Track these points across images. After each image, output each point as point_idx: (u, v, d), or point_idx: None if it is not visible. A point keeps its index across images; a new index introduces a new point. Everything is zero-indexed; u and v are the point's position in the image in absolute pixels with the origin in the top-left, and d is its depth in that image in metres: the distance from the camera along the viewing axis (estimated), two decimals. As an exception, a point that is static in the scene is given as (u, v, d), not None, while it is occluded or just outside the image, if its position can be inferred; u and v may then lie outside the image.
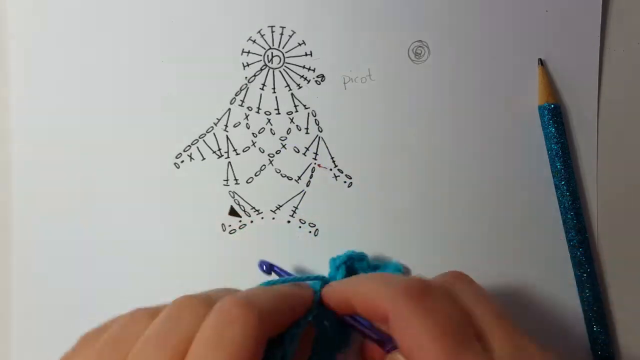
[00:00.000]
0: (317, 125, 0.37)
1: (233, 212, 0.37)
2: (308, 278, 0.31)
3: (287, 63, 0.37)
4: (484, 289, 0.28)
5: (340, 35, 0.37)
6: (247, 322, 0.23)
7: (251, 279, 0.36)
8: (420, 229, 0.36)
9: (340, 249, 0.36)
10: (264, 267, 0.33)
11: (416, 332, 0.24)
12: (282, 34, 0.37)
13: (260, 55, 0.37)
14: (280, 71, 0.37)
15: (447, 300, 0.25)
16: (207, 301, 0.25)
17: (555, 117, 0.36)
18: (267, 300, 0.26)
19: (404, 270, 0.35)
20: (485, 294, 0.27)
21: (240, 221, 0.37)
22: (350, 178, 0.37)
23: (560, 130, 0.36)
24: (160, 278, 0.36)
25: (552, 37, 0.37)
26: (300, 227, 0.37)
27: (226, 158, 0.37)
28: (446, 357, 0.23)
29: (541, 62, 0.37)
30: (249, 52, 0.37)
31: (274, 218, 0.37)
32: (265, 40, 0.37)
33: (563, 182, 0.36)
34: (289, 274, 0.33)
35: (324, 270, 0.36)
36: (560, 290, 0.36)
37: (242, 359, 0.23)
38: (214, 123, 0.37)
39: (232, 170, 0.37)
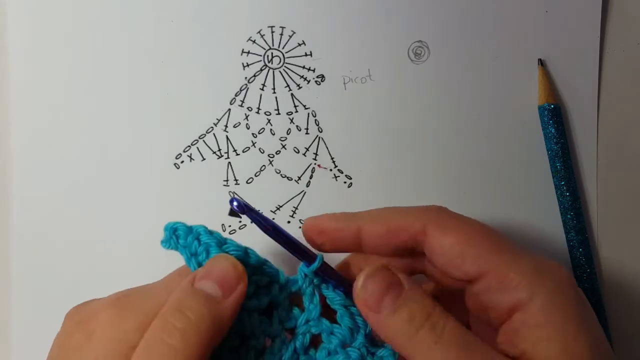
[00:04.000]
0: (317, 125, 0.37)
1: (233, 213, 0.37)
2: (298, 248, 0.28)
3: (287, 63, 0.37)
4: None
5: (340, 35, 0.37)
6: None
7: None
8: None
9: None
10: (236, 205, 0.28)
11: (465, 231, 0.26)
12: (282, 34, 0.37)
13: (260, 55, 0.37)
14: (280, 71, 0.37)
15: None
16: None
17: (555, 117, 0.36)
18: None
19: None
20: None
21: (240, 222, 0.37)
22: (350, 178, 0.37)
23: (560, 130, 0.36)
24: (161, 278, 0.36)
25: (552, 37, 0.37)
26: (300, 227, 0.36)
27: (226, 158, 0.37)
28: (500, 244, 0.25)
29: (541, 62, 0.37)
30: (248, 53, 0.37)
31: (274, 218, 0.37)
32: (265, 41, 0.37)
33: (563, 182, 0.36)
34: (268, 222, 0.28)
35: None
36: (561, 290, 0.36)
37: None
38: (213, 123, 0.37)
39: (232, 170, 0.37)
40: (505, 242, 0.26)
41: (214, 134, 0.37)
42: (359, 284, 0.26)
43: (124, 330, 0.25)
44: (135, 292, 0.27)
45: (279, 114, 0.37)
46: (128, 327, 0.25)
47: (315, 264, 0.28)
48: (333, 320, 0.28)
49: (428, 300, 0.25)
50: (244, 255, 0.28)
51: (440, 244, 0.26)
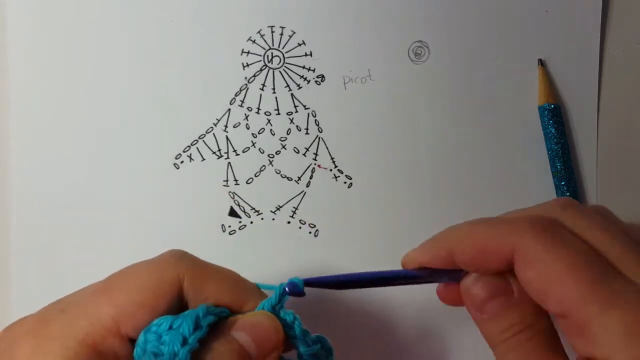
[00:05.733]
0: (317, 125, 0.37)
1: (233, 213, 0.37)
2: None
3: (287, 63, 0.37)
4: (597, 216, 0.26)
5: (340, 35, 0.37)
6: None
7: (250, 279, 0.36)
8: (421, 230, 0.36)
9: (339, 252, 0.36)
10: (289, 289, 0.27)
11: (551, 266, 0.22)
12: (282, 34, 0.37)
13: (260, 55, 0.37)
14: (280, 71, 0.37)
15: (575, 238, 0.24)
16: None
17: (555, 117, 0.36)
18: (207, 264, 0.27)
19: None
20: (603, 223, 0.25)
21: (240, 222, 0.37)
22: (351, 178, 0.37)
23: (560, 130, 0.36)
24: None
25: (552, 37, 0.37)
26: (300, 227, 0.37)
27: (226, 159, 0.37)
28: (589, 287, 0.22)
29: (541, 62, 0.37)
30: (248, 53, 0.37)
31: (274, 219, 0.37)
32: (265, 41, 0.37)
33: (563, 182, 0.36)
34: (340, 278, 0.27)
35: (324, 271, 0.36)
36: (561, 290, 0.36)
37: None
38: (213, 123, 0.37)
39: (232, 170, 0.37)
40: (598, 284, 0.22)
41: (213, 134, 0.37)
42: (469, 281, 0.26)
43: None
44: (55, 316, 0.25)
45: (279, 114, 0.37)
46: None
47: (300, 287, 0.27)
48: None
49: (529, 314, 0.25)
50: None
51: (523, 277, 0.24)
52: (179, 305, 0.26)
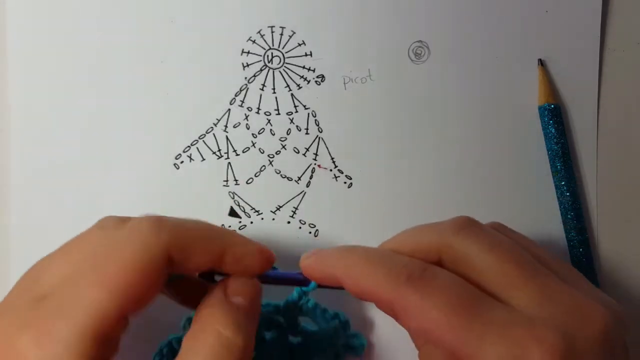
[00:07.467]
0: (317, 125, 0.37)
1: (233, 213, 0.37)
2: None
3: (287, 63, 0.37)
4: (490, 234, 0.26)
5: (340, 35, 0.37)
6: (149, 236, 0.26)
7: (251, 280, 0.36)
8: (421, 230, 0.36)
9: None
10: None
11: (426, 316, 0.24)
12: (282, 34, 0.37)
13: (260, 55, 0.37)
14: (280, 71, 0.37)
15: (450, 276, 0.25)
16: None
17: (555, 117, 0.36)
18: (186, 226, 0.27)
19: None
20: (493, 242, 0.26)
21: (240, 222, 0.37)
22: (350, 178, 0.37)
23: (560, 130, 0.36)
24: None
25: (552, 37, 0.37)
26: (300, 227, 0.37)
27: (226, 159, 0.37)
28: (463, 328, 0.23)
29: (541, 62, 0.37)
30: (248, 53, 0.37)
31: (274, 219, 0.37)
32: (265, 41, 0.37)
33: (563, 182, 0.36)
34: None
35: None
36: (561, 290, 0.36)
37: (132, 269, 0.25)
38: (213, 124, 0.37)
39: (232, 170, 0.37)
40: (470, 321, 0.23)
41: (213, 134, 0.37)
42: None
43: None
44: (55, 321, 0.24)
45: (279, 114, 0.37)
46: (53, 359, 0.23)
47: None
48: None
49: None
50: None
51: (406, 327, 0.25)
52: (168, 271, 0.27)
